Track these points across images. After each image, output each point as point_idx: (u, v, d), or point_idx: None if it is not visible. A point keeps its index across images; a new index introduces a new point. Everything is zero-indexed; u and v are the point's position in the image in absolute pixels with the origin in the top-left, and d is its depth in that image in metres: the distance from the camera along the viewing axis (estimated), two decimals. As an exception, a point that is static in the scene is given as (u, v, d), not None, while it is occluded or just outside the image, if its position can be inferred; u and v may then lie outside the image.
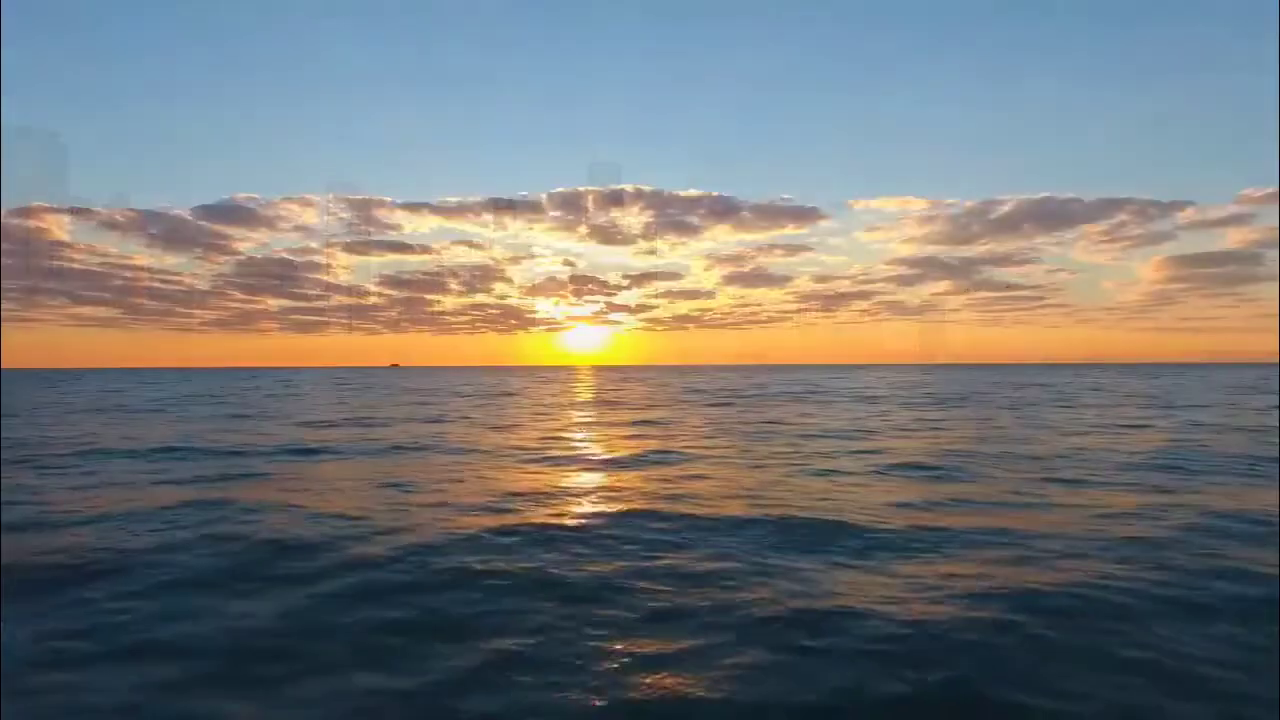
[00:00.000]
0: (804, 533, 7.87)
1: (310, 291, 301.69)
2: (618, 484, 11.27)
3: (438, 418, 24.77)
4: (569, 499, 9.93)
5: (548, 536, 7.75)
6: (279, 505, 9.34)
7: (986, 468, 12.62)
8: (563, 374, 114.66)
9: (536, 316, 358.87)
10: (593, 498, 10.08)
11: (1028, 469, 12.44)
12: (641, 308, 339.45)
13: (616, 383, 62.83)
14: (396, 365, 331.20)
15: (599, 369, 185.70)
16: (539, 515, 8.77)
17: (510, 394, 44.66)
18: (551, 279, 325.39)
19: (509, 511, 8.99)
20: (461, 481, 11.40)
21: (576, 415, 26.45)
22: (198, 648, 4.78)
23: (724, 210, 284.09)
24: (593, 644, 4.77)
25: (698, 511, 8.95)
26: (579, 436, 18.76)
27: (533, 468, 13.10)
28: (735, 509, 9.09)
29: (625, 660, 4.51)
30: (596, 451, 15.49)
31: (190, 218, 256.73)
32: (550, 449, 15.85)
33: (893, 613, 5.22)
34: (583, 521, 8.45)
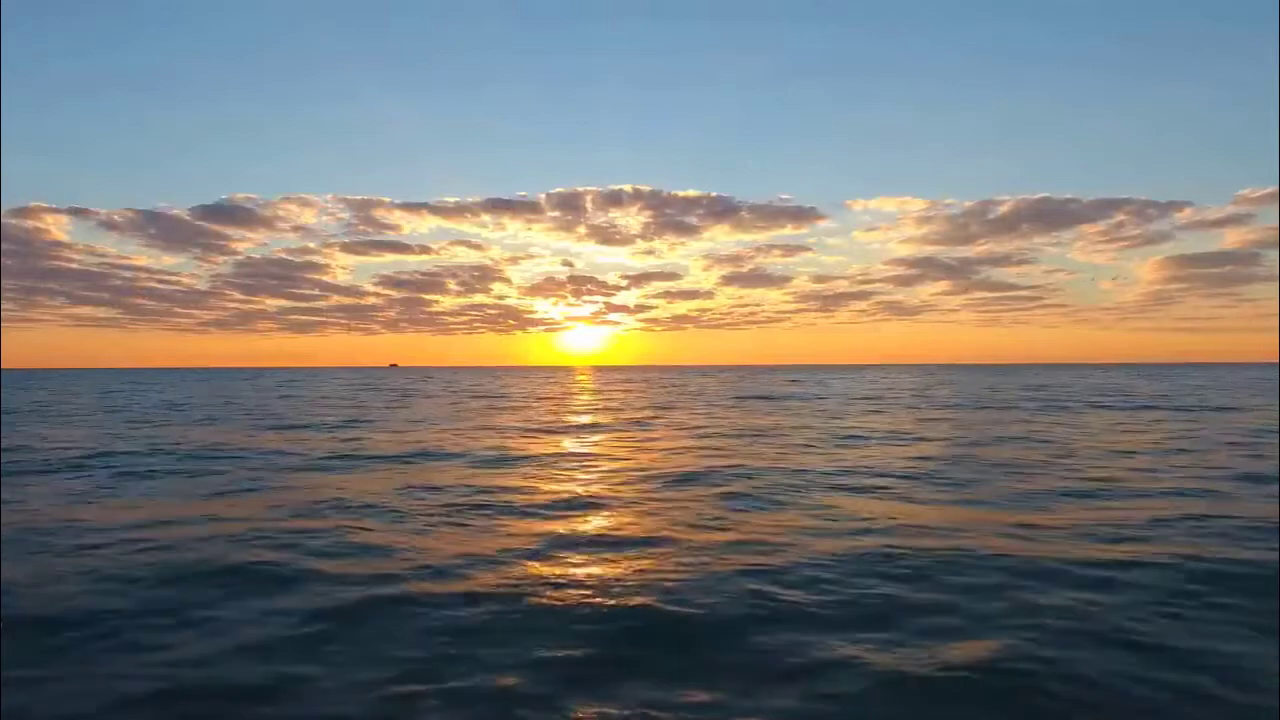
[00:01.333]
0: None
1: (309, 292, 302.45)
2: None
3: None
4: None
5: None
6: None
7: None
8: (562, 375, 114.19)
9: (535, 317, 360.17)
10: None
11: None
12: (640, 308, 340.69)
13: (636, 385, 62.54)
14: (395, 365, 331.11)
15: (599, 369, 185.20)
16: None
17: (545, 397, 44.31)
18: (550, 279, 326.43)
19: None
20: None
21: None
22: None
23: (723, 210, 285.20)
24: None
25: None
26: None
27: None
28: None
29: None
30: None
31: (189, 218, 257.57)
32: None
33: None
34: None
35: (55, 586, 6.02)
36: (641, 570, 6.49)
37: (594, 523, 8.61)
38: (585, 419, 25.18)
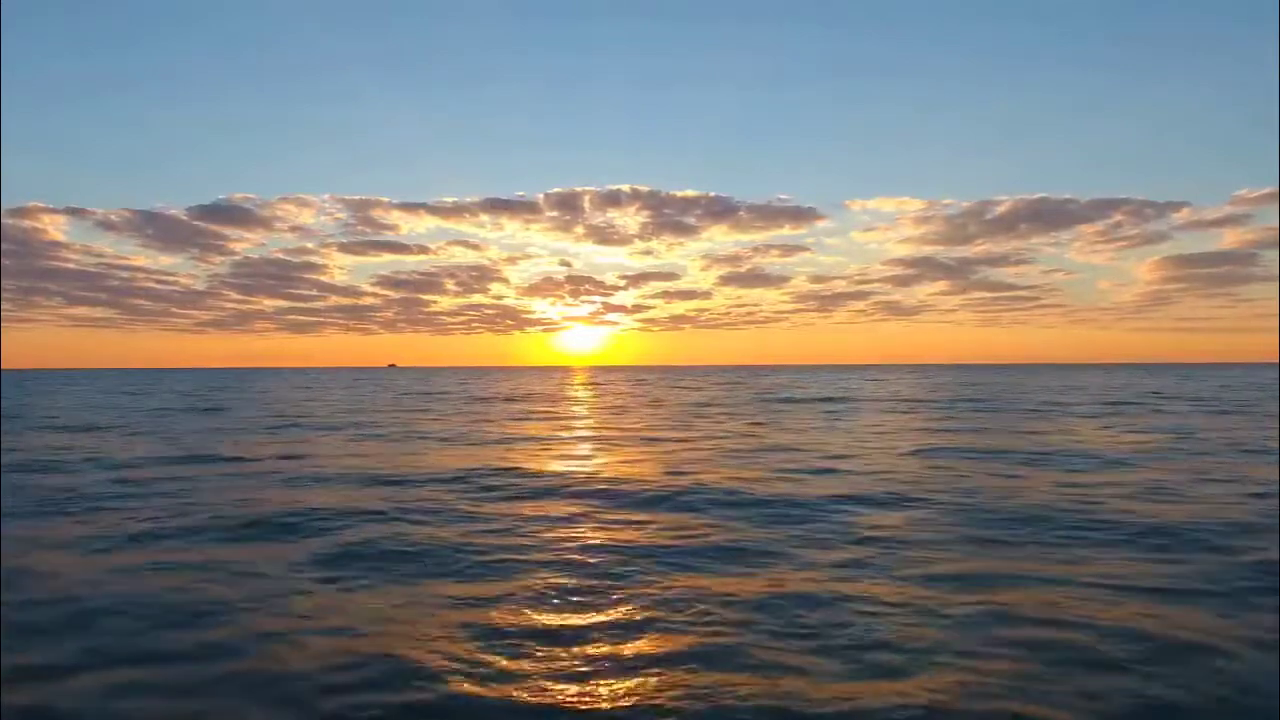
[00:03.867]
0: None
1: (307, 292, 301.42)
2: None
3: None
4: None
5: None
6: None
7: None
8: (568, 375, 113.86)
9: (533, 317, 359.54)
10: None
11: None
12: (638, 308, 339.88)
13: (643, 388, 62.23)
14: (394, 366, 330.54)
15: (600, 370, 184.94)
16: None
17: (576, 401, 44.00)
18: (548, 279, 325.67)
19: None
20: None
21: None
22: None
23: (721, 210, 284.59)
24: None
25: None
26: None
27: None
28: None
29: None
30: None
31: (186, 218, 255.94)
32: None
33: None
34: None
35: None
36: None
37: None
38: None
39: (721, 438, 18.13)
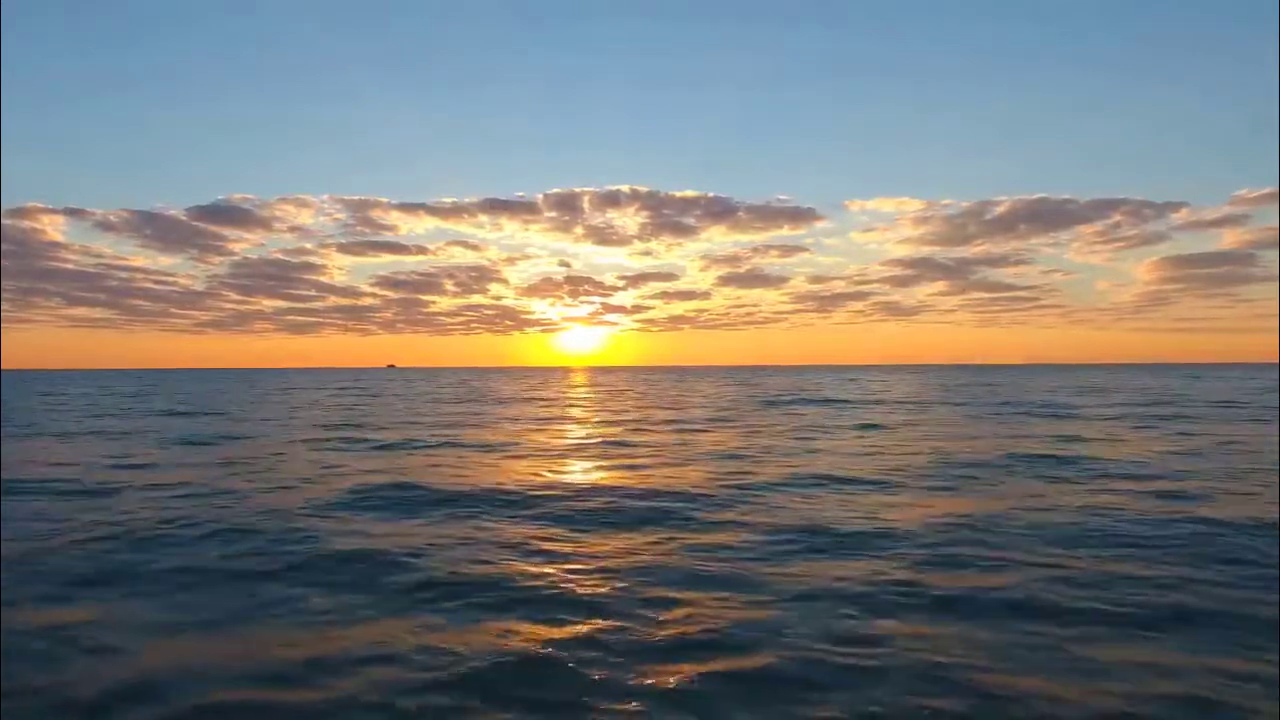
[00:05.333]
0: None
1: (305, 292, 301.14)
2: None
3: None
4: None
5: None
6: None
7: None
8: (575, 376, 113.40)
9: (532, 317, 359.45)
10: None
11: None
12: (637, 308, 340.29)
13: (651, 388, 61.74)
14: (393, 366, 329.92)
15: (602, 370, 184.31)
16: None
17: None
18: (547, 280, 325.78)
19: None
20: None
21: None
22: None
23: (720, 211, 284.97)
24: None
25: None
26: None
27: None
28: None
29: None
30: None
31: (185, 218, 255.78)
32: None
33: None
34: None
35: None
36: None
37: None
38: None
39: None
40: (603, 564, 6.80)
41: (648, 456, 14.81)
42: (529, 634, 5.03)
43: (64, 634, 5.03)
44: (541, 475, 12.36)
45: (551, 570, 6.59)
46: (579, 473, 12.78)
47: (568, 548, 7.45)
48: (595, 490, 10.83)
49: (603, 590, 5.99)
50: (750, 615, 5.37)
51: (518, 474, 12.44)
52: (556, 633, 5.06)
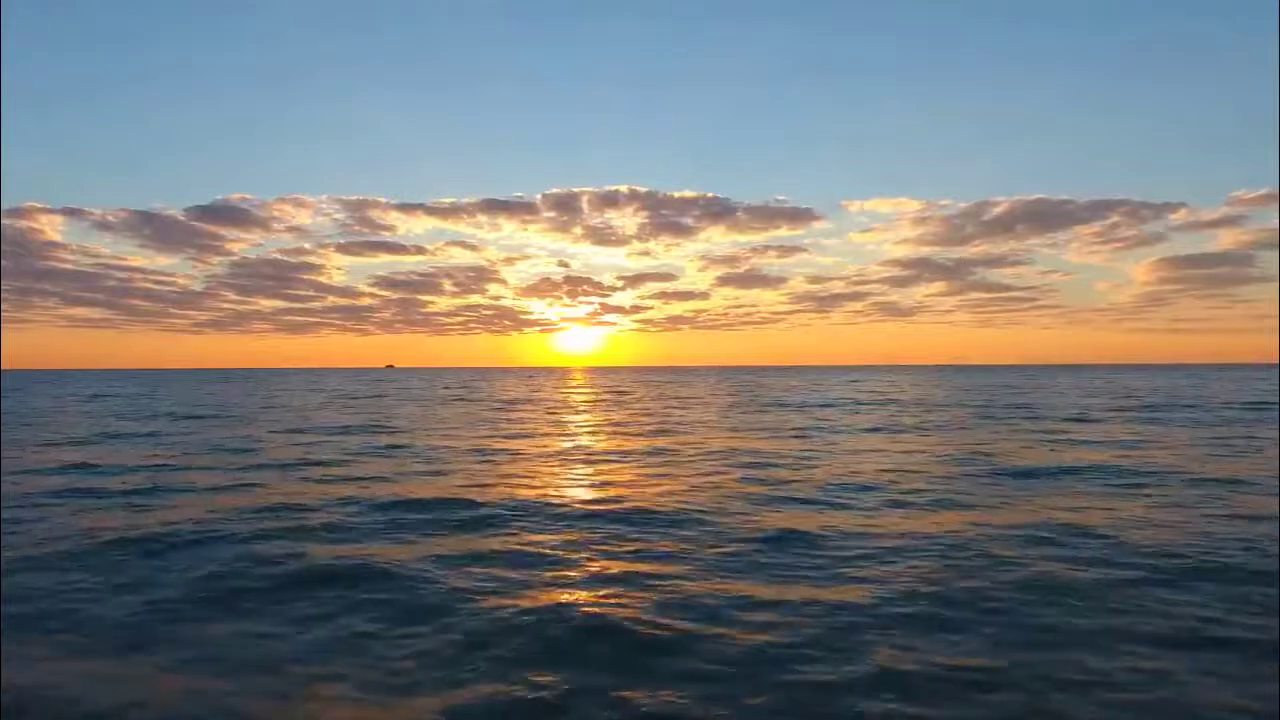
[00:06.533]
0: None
1: (304, 293, 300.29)
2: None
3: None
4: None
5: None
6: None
7: None
8: (579, 376, 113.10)
9: (530, 317, 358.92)
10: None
11: None
12: (635, 308, 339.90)
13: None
14: (391, 366, 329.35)
15: (602, 371, 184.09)
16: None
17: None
18: (545, 280, 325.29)
19: None
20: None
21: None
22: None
23: (719, 211, 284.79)
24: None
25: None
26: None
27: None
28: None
29: None
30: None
31: (183, 218, 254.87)
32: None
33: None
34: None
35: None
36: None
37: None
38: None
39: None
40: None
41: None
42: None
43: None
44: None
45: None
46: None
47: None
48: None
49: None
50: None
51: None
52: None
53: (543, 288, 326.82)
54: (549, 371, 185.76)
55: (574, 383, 76.60)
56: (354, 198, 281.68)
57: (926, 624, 5.45)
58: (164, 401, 38.33)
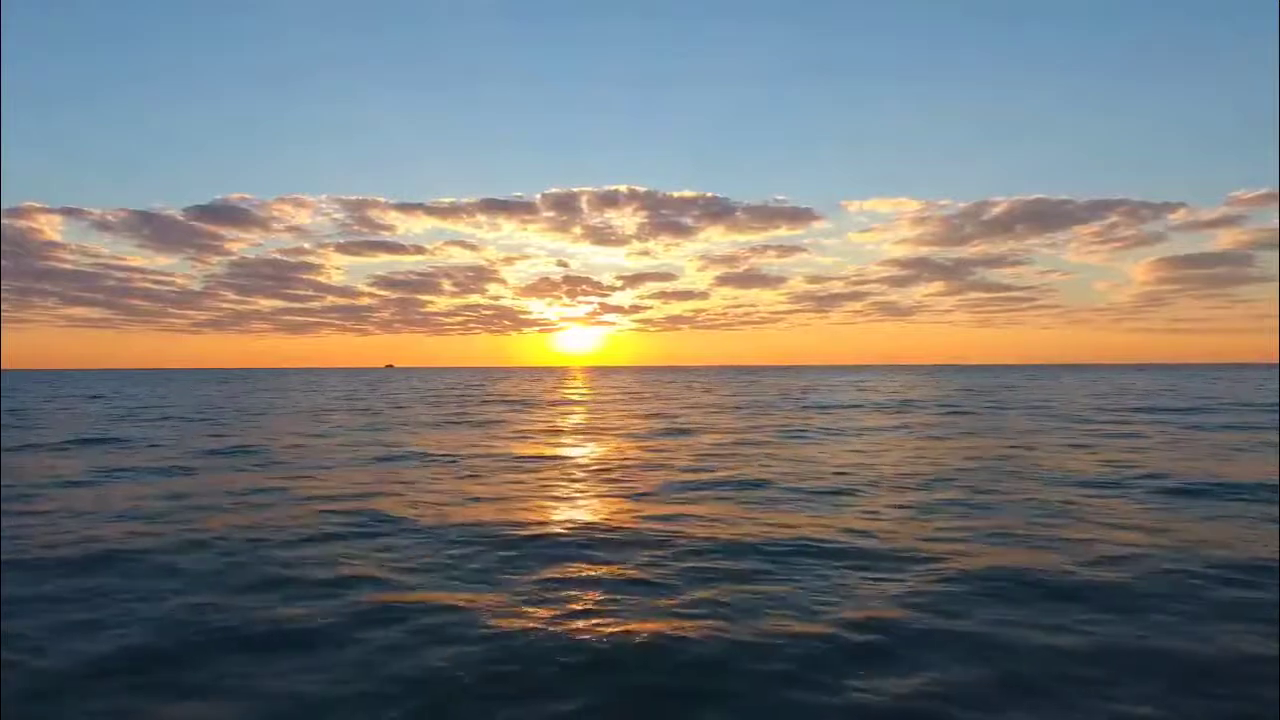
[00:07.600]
0: None
1: (303, 292, 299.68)
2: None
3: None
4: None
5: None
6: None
7: None
8: (584, 376, 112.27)
9: (530, 317, 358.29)
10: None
11: None
12: (635, 308, 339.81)
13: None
14: (391, 366, 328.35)
15: (602, 371, 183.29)
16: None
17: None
18: (545, 280, 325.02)
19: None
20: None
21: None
22: None
23: (718, 211, 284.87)
24: None
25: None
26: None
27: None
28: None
29: None
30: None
31: (183, 218, 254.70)
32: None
33: None
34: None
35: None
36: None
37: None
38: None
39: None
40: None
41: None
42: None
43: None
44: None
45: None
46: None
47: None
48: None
49: None
50: None
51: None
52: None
53: (542, 287, 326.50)
54: (549, 371, 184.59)
55: (608, 384, 75.09)
56: (353, 198, 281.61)
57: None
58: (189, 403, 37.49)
